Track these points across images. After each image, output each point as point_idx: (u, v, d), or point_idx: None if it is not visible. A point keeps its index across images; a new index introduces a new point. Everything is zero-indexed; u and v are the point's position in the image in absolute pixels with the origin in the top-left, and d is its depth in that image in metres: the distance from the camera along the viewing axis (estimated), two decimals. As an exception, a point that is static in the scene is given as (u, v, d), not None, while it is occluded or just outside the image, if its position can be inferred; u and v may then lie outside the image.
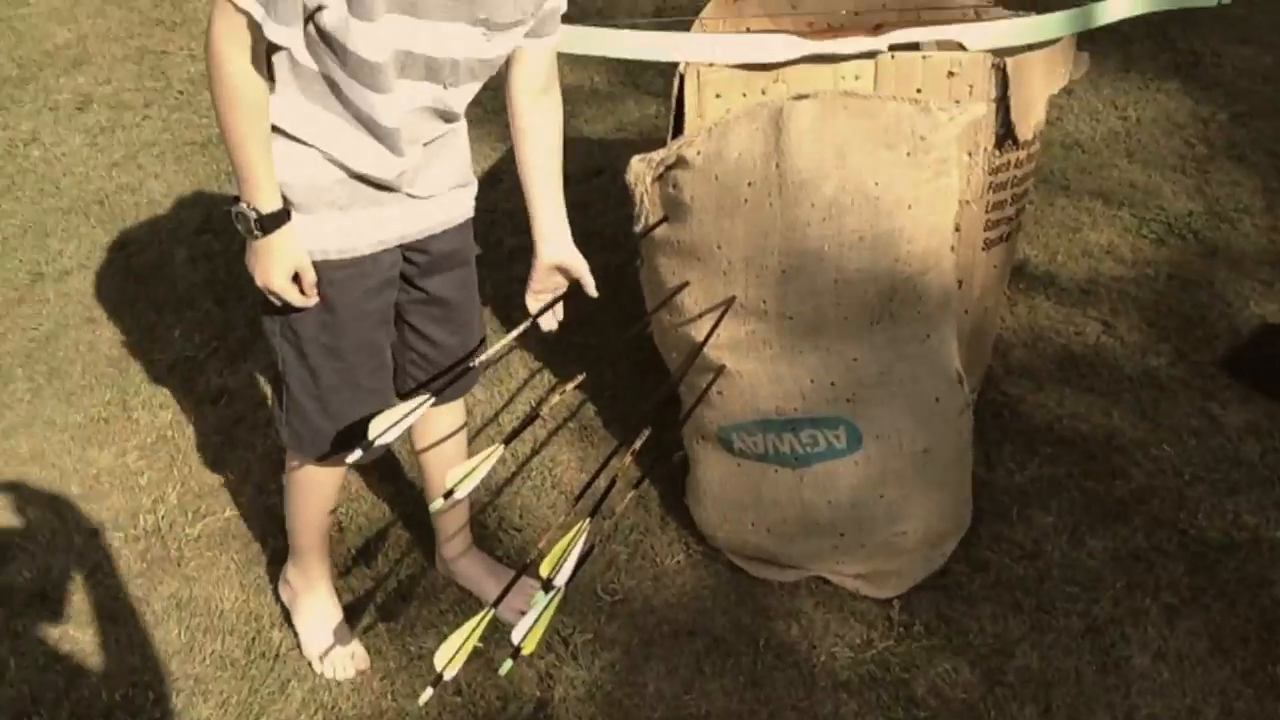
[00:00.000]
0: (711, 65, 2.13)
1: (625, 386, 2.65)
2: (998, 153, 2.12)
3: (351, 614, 2.14)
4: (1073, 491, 2.32)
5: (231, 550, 2.30)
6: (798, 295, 1.91)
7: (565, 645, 2.06)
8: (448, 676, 1.45)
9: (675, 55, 2.16)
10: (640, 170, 2.05)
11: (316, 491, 1.98)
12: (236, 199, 1.65)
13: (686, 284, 2.03)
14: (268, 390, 2.72)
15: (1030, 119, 2.14)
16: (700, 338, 2.00)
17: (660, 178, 2.03)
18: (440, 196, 1.82)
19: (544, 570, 1.51)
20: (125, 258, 3.27)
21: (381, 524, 2.34)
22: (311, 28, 1.57)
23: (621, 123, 3.85)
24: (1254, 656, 1.99)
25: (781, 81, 2.11)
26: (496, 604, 1.56)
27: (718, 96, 2.13)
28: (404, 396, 1.97)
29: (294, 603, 2.10)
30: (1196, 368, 2.65)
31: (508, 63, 1.82)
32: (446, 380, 1.86)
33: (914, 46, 2.14)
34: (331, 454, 1.88)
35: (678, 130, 2.16)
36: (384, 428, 1.62)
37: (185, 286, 3.12)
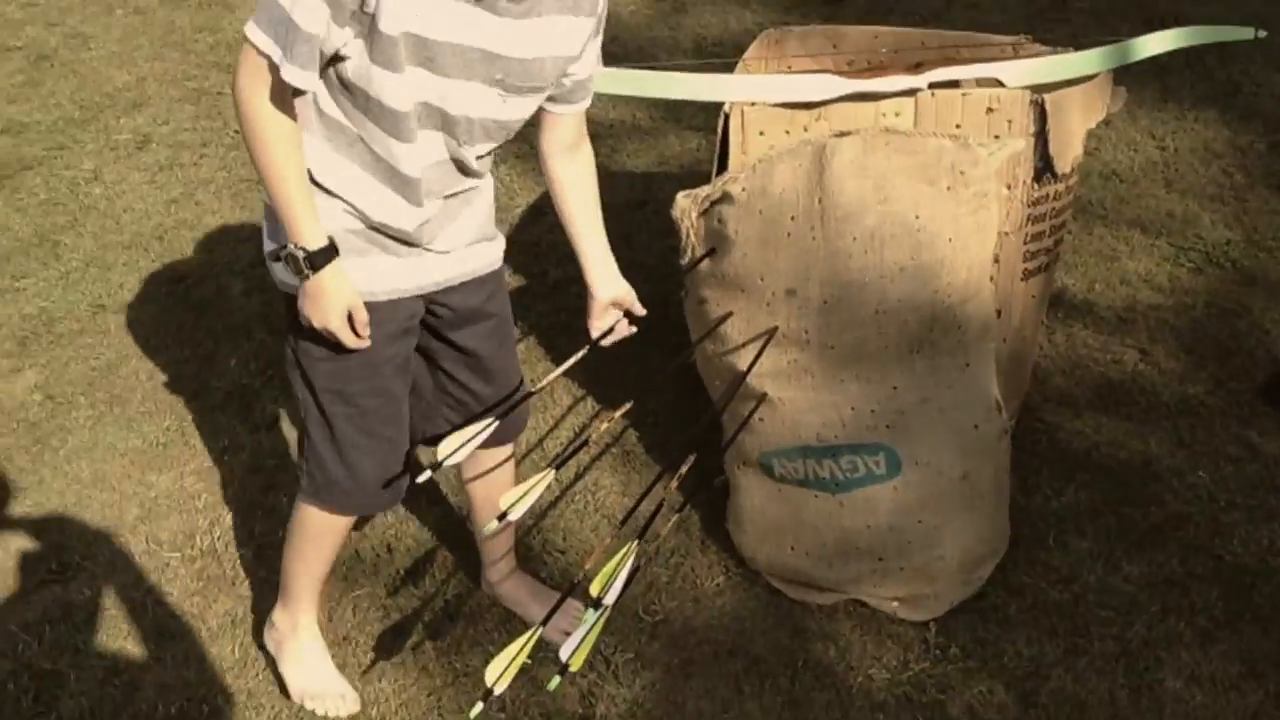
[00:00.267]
0: (754, 104, 2.20)
1: (667, 413, 2.71)
2: (1036, 186, 2.17)
3: (399, 633, 2.21)
4: (1109, 517, 2.35)
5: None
6: (839, 325, 1.97)
7: (607, 664, 2.11)
8: (498, 692, 1.50)
9: (721, 96, 2.23)
10: (686, 206, 2.11)
11: (323, 540, 1.99)
12: (277, 253, 1.67)
13: (730, 314, 2.09)
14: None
15: (1069, 153, 2.19)
16: (743, 366, 2.06)
17: (705, 212, 2.09)
18: (459, 251, 1.82)
19: (594, 589, 1.56)
20: (183, 290, 3.37)
21: (429, 546, 2.41)
22: (334, 75, 1.59)
23: (663, 156, 3.92)
24: (1290, 683, 2.01)
25: (824, 119, 2.17)
26: (545, 622, 1.61)
27: (761, 134, 2.19)
28: (431, 441, 1.98)
29: (280, 648, 2.10)
30: (1234, 395, 2.67)
31: (538, 123, 1.86)
32: (508, 406, 1.88)
33: (953, 84, 2.20)
34: (345, 505, 1.91)
35: (722, 167, 2.22)
36: (451, 450, 1.66)
37: (241, 317, 3.21)
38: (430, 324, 1.88)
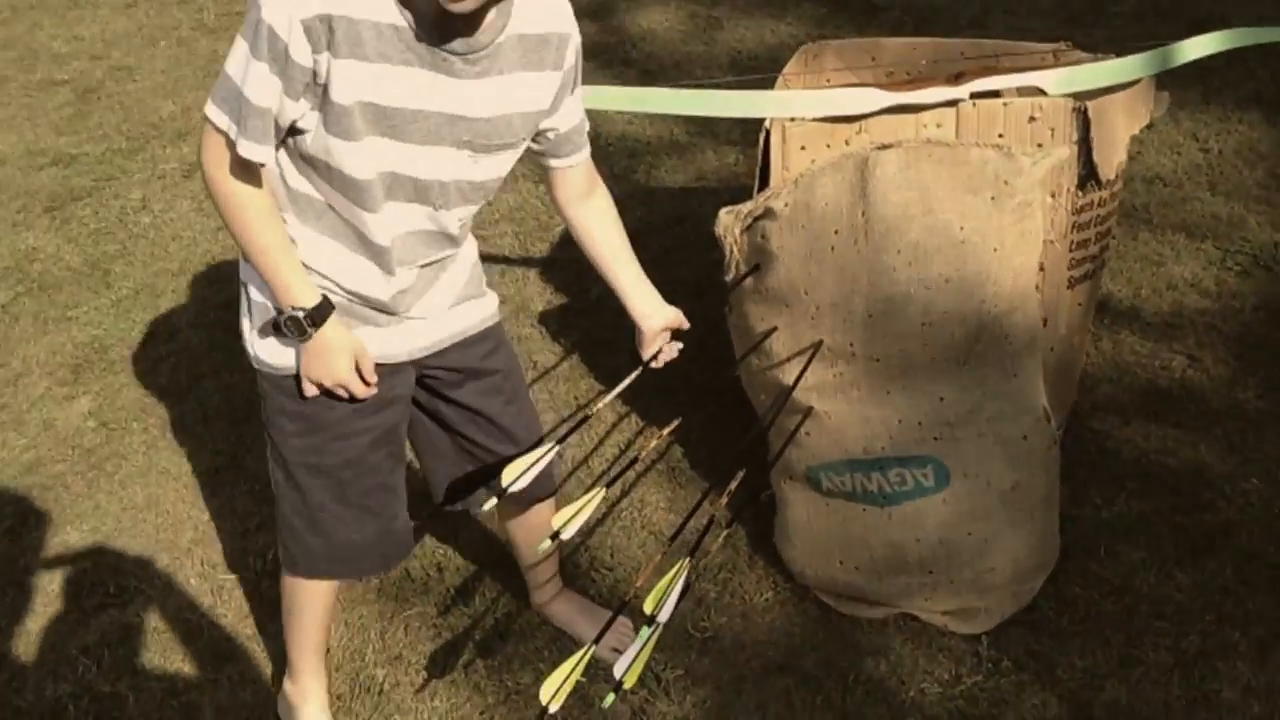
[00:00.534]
0: (795, 120, 2.20)
1: (711, 429, 2.71)
2: (1081, 193, 2.16)
3: (451, 651, 2.22)
4: (1160, 526, 2.32)
5: (338, 590, 2.39)
6: (884, 338, 1.97)
7: (657, 681, 2.11)
8: (553, 710, 1.51)
9: (761, 113, 2.24)
10: (728, 222, 2.12)
11: (308, 608, 1.98)
12: (276, 323, 1.66)
13: (774, 329, 2.09)
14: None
15: (1113, 159, 2.18)
16: (788, 381, 2.06)
17: (748, 228, 2.10)
18: (440, 315, 1.81)
19: (647, 606, 1.57)
20: (232, 316, 3.40)
21: (479, 565, 2.42)
22: (295, 147, 1.59)
23: (701, 171, 3.94)
24: (1352, 692, 1.98)
25: (865, 132, 2.18)
26: (598, 640, 1.62)
27: (802, 149, 2.20)
28: (450, 498, 1.99)
29: (289, 714, 2.09)
30: (1286, 401, 2.64)
31: (546, 180, 1.89)
32: (567, 432, 1.87)
33: (994, 94, 2.19)
34: (323, 571, 1.90)
35: (764, 182, 2.23)
36: (514, 477, 1.67)
37: (288, 338, 3.25)
38: (430, 387, 1.87)
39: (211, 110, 1.53)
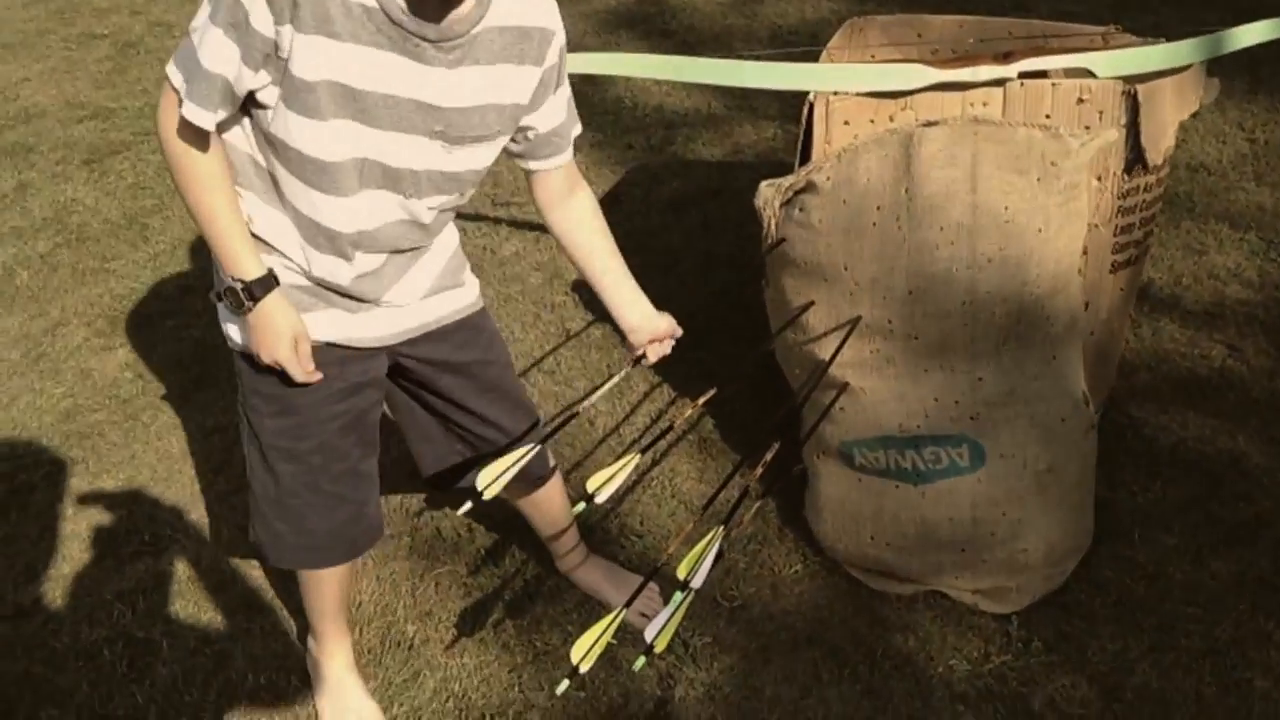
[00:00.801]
0: (838, 94, 2.19)
1: (744, 402, 2.71)
2: (1127, 177, 2.14)
3: (480, 610, 2.24)
4: (1196, 514, 2.32)
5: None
6: (924, 316, 1.96)
7: (685, 648, 2.13)
8: (583, 670, 1.53)
9: (806, 85, 2.22)
10: (769, 195, 2.11)
11: (317, 581, 1.97)
12: (219, 293, 1.64)
13: (812, 304, 2.09)
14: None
15: (1160, 144, 2.16)
16: (824, 356, 2.06)
17: (788, 202, 2.09)
18: (413, 304, 1.78)
19: (681, 571, 1.58)
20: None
21: (509, 526, 2.44)
22: (258, 126, 1.56)
23: (738, 145, 3.92)
24: (1383, 687, 1.97)
25: (909, 109, 2.17)
26: (629, 604, 1.64)
27: (846, 123, 2.19)
28: (436, 482, 2.00)
29: (315, 670, 2.10)
30: (1325, 394, 2.62)
31: (527, 182, 1.84)
32: (547, 434, 1.84)
33: (1042, 74, 2.18)
34: (291, 560, 1.89)
35: (805, 156, 2.22)
36: (489, 481, 1.63)
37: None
38: (408, 374, 1.87)
39: (170, 68, 1.52)
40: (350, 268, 1.67)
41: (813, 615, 2.18)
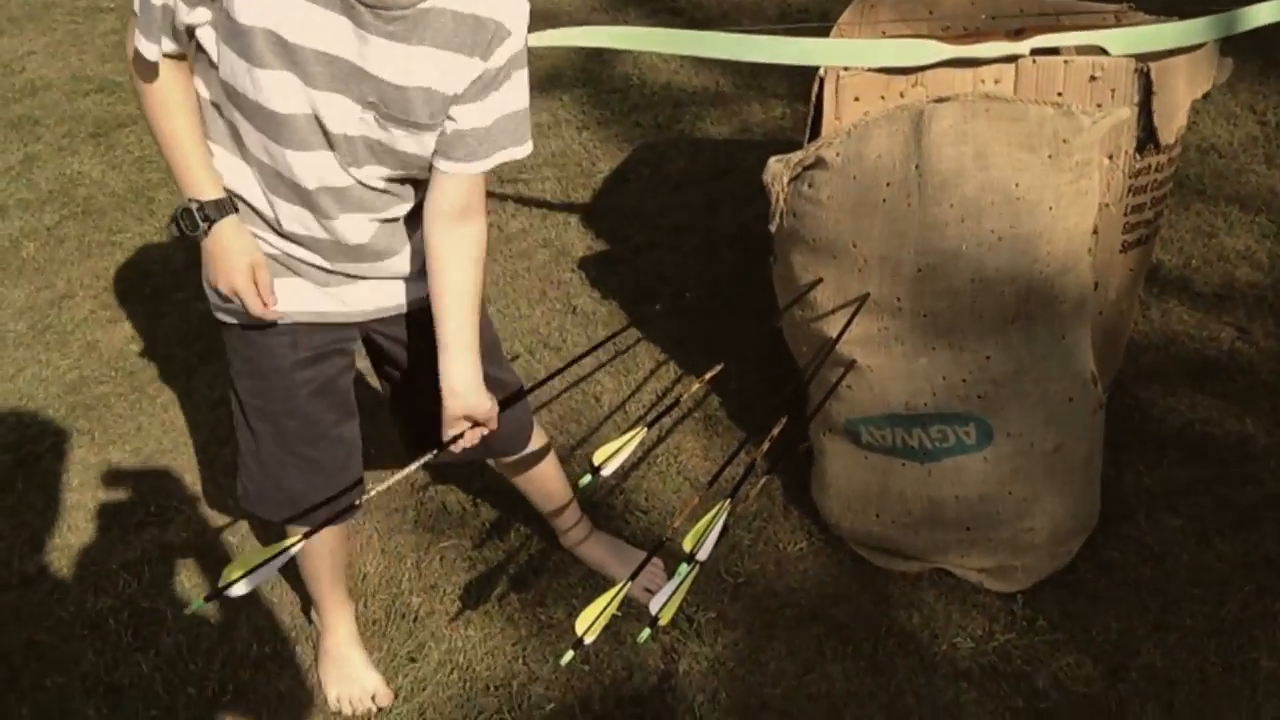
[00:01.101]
0: (848, 69, 2.18)
1: (749, 379, 2.71)
2: (1138, 156, 2.13)
3: (485, 584, 2.25)
4: (1202, 496, 2.31)
5: (375, 519, 2.42)
6: (933, 294, 1.95)
7: (689, 623, 2.13)
8: (588, 642, 1.53)
9: (815, 61, 2.21)
10: (777, 170, 2.10)
11: (310, 554, 1.97)
12: (176, 220, 1.62)
13: (820, 280, 2.08)
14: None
15: (1173, 124, 2.15)
16: (831, 333, 2.06)
17: (796, 178, 2.08)
18: (386, 283, 1.75)
19: (687, 544, 1.58)
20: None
21: (514, 501, 2.43)
22: (215, 78, 1.54)
23: (746, 124, 3.90)
24: (1388, 668, 1.97)
25: (920, 85, 2.15)
26: (634, 576, 1.64)
27: (856, 99, 2.17)
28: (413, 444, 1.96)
29: (319, 642, 2.12)
30: (1334, 377, 2.61)
31: (430, 179, 1.66)
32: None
33: (1054, 51, 2.16)
34: (276, 515, 1.88)
35: (815, 132, 2.21)
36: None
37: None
38: (376, 349, 1.87)
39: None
40: (328, 224, 1.64)
41: (817, 592, 2.19)
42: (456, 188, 1.64)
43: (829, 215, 2.02)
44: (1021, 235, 1.90)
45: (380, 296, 1.78)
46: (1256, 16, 2.26)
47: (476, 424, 1.76)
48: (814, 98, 2.21)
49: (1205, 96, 2.34)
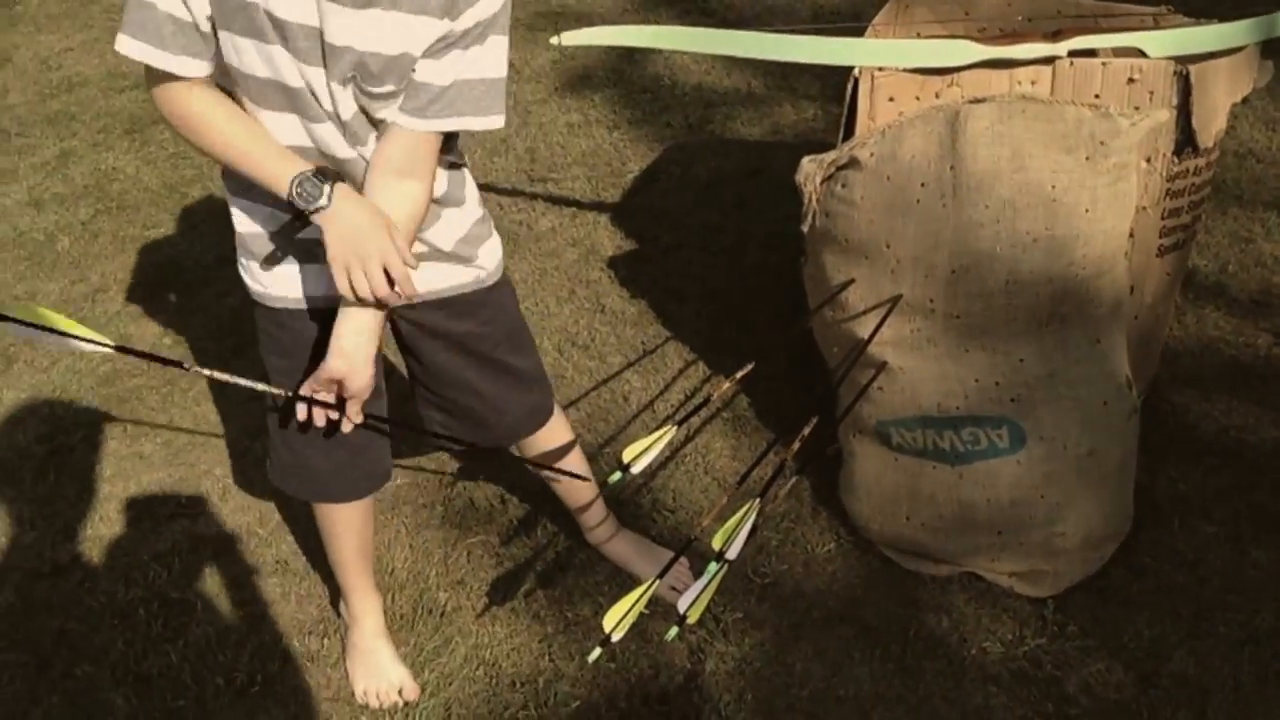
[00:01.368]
0: (883, 69, 2.17)
1: (779, 380, 2.70)
2: (1176, 160, 2.11)
3: (512, 580, 2.25)
4: (1238, 502, 2.28)
5: (403, 514, 2.43)
6: (967, 295, 1.94)
7: (716, 622, 2.13)
8: (615, 639, 1.53)
9: (851, 60, 2.20)
10: (810, 170, 2.09)
11: (335, 535, 2.01)
12: (291, 205, 1.54)
13: (852, 281, 2.07)
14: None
15: (1211, 127, 2.12)
16: (863, 334, 2.05)
17: (829, 178, 2.07)
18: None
19: (716, 543, 1.58)
20: (306, 239, 3.46)
21: (541, 497, 2.44)
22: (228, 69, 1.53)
23: (778, 125, 3.89)
24: None
25: (956, 85, 2.14)
26: (663, 574, 1.63)
27: (891, 100, 2.16)
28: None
29: (346, 635, 2.13)
30: (1372, 386, 2.58)
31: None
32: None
33: (1092, 53, 2.14)
34: (301, 491, 1.93)
35: (849, 132, 2.20)
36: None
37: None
38: (400, 336, 1.87)
39: (125, 45, 1.49)
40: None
41: (845, 594, 2.17)
42: (400, 142, 1.58)
43: (862, 216, 2.01)
44: (1057, 237, 1.89)
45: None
46: (1298, 19, 2.24)
47: (333, 406, 1.70)
48: (848, 98, 2.20)
49: (1244, 100, 2.31)
